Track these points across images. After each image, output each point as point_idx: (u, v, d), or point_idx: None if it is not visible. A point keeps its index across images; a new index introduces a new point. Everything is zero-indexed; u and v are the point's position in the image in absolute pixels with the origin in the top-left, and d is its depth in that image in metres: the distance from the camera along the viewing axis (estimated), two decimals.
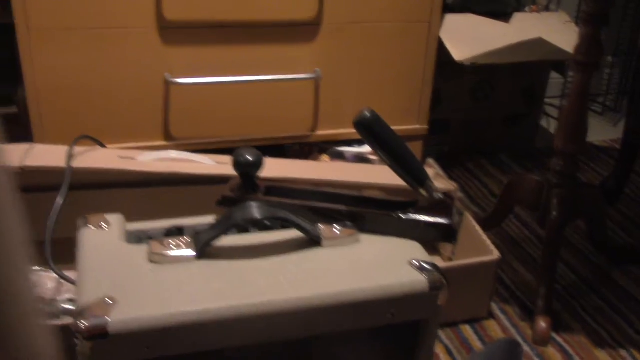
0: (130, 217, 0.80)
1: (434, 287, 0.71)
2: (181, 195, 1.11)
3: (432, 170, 1.31)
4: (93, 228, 0.75)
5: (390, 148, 0.73)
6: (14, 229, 0.23)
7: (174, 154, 1.11)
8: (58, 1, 1.11)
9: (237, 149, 0.77)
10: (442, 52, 1.39)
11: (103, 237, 0.74)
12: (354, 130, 1.41)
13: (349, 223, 0.76)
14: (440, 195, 0.76)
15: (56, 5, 1.12)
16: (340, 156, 1.44)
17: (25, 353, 0.24)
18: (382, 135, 0.73)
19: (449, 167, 1.65)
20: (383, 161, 0.75)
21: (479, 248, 1.13)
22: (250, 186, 0.79)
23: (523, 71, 1.68)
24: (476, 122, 1.71)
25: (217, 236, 0.70)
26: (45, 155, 1.04)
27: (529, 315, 1.16)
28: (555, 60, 1.66)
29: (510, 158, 1.73)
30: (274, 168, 1.09)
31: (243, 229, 0.76)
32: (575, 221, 1.39)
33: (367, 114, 0.72)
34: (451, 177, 1.60)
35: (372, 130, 0.72)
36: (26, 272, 0.24)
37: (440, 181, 1.23)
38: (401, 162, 0.74)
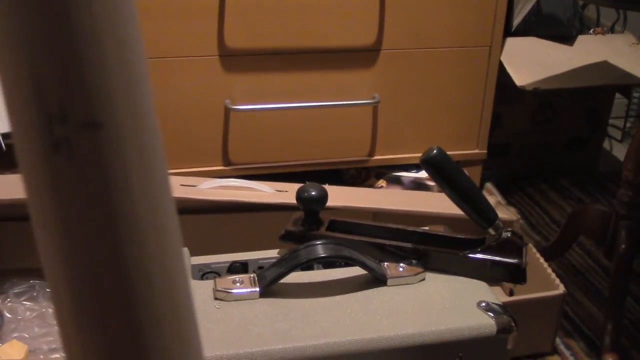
0: (191, 242, 0.81)
1: (503, 330, 0.69)
2: (241, 221, 1.11)
3: (492, 198, 1.29)
4: None
5: (458, 186, 0.72)
6: (167, 207, 0.23)
7: (234, 182, 1.11)
8: None
9: (302, 185, 0.77)
10: (502, 74, 1.37)
11: None
12: (411, 155, 1.41)
13: (414, 261, 0.75)
14: (509, 234, 0.74)
15: None
16: (397, 181, 1.42)
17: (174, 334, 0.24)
18: (450, 173, 0.71)
19: (508, 192, 1.62)
20: (450, 198, 0.74)
21: (543, 281, 1.09)
22: (313, 221, 0.79)
23: (586, 93, 1.64)
24: (536, 146, 1.67)
25: (282, 275, 0.69)
26: None
27: (594, 350, 1.12)
28: (621, 84, 1.61)
29: (571, 183, 1.68)
30: (334, 196, 1.08)
31: (307, 266, 0.76)
32: None
33: (435, 151, 0.71)
34: (510, 203, 1.57)
35: (439, 168, 0.71)
36: (180, 253, 0.25)
37: (500, 209, 1.20)
38: (469, 200, 0.72)
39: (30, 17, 0.19)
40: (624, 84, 1.54)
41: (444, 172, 0.71)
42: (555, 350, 1.12)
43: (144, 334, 0.23)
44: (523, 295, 1.04)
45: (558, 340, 1.14)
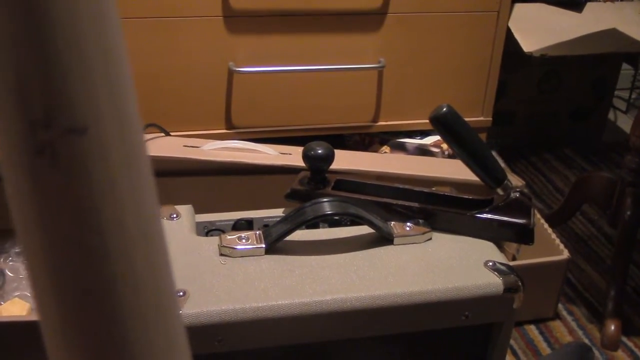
0: (194, 204, 0.80)
1: (510, 290, 0.68)
2: (244, 184, 1.11)
3: None
4: (164, 219, 0.75)
5: (467, 145, 0.71)
6: (154, 213, 0.23)
7: (238, 143, 1.10)
8: None
9: (308, 143, 0.76)
10: (508, 41, 1.35)
11: (173, 229, 0.74)
12: (416, 121, 1.39)
13: (421, 220, 0.74)
14: (518, 195, 0.74)
15: None
16: (402, 148, 1.41)
17: (162, 342, 0.24)
18: (459, 131, 0.70)
19: (512, 161, 1.61)
20: (459, 157, 0.73)
21: (547, 246, 1.09)
22: (320, 180, 0.78)
23: (593, 63, 1.62)
24: (542, 114, 1.65)
25: (288, 232, 0.69)
26: None
27: (596, 317, 1.12)
28: (629, 52, 1.59)
29: (575, 152, 1.67)
30: (339, 159, 1.07)
31: (313, 224, 0.75)
32: None
33: (445, 109, 0.70)
34: (514, 171, 1.56)
35: (449, 126, 0.70)
36: (167, 258, 0.24)
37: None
38: (479, 159, 0.72)
39: (12, 19, 0.19)
40: (633, 51, 1.52)
41: (453, 130, 0.70)
42: (557, 316, 1.12)
43: (130, 340, 0.23)
44: (527, 259, 1.04)
45: (560, 306, 1.14)
